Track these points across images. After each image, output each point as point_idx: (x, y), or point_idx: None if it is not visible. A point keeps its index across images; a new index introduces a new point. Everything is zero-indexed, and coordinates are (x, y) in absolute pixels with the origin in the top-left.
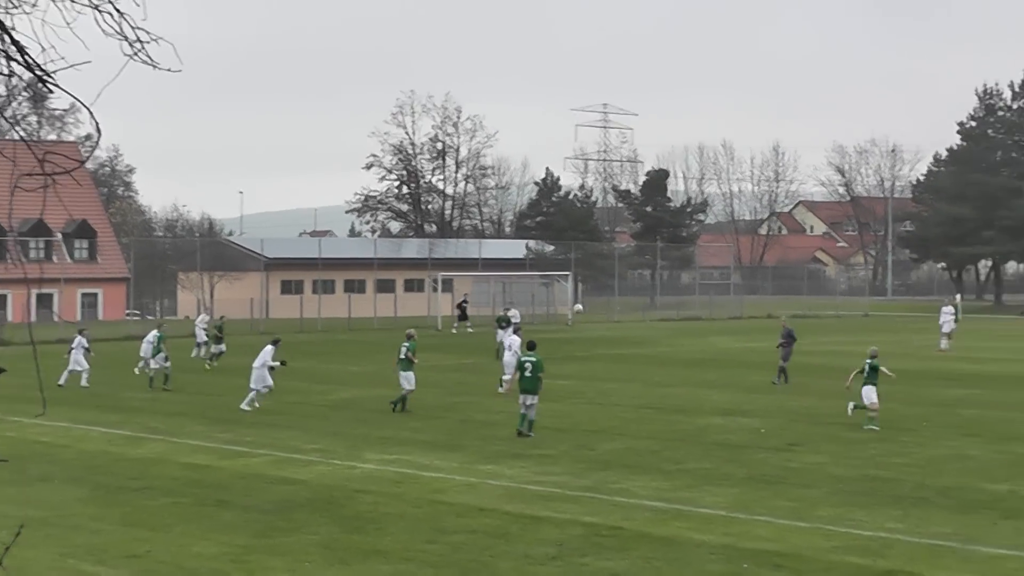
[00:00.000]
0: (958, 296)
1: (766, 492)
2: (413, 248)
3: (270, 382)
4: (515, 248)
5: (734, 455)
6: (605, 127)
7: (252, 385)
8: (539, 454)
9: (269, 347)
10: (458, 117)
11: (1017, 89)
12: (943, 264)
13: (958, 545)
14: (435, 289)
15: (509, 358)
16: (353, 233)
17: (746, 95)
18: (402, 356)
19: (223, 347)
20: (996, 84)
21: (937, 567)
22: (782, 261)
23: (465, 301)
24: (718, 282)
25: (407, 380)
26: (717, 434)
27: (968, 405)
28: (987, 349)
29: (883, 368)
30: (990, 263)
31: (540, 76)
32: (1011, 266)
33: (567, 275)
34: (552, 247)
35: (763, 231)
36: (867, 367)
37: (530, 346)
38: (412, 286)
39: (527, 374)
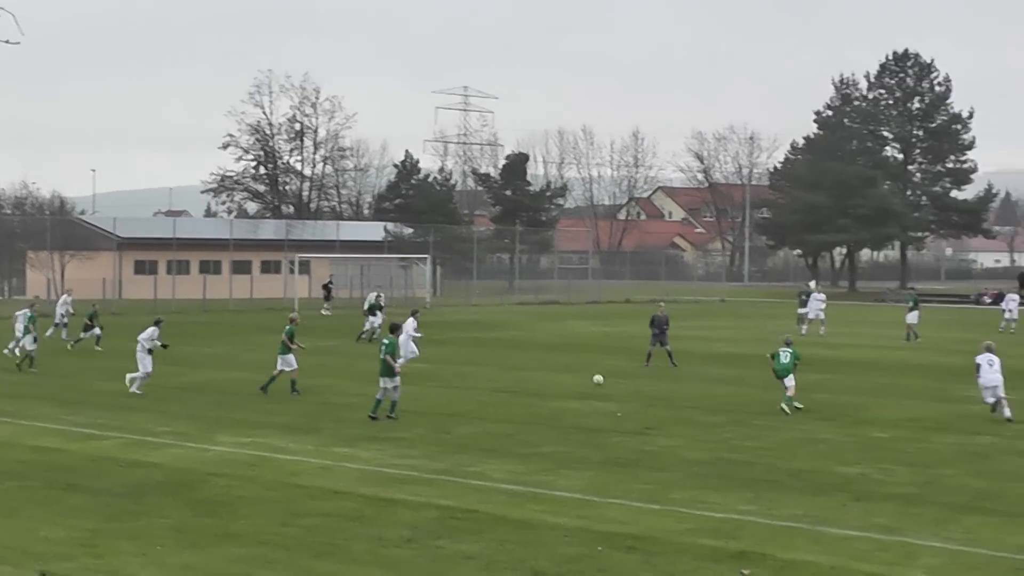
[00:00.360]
0: (812, 283)
1: (621, 475)
2: (270, 229)
3: (149, 367)
4: (373, 230)
5: (590, 439)
6: (465, 110)
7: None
8: (395, 437)
9: (152, 328)
10: (317, 98)
11: (872, 80)
12: (799, 251)
13: (809, 527)
14: (292, 271)
15: (404, 340)
16: (209, 213)
17: (606, 81)
18: (283, 339)
19: (98, 331)
20: (852, 75)
21: (788, 548)
22: (640, 246)
23: (331, 282)
24: (577, 266)
25: (285, 363)
26: (573, 418)
27: (821, 390)
28: (841, 335)
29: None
30: (845, 250)
31: (400, 58)
32: (865, 253)
33: (426, 258)
34: (411, 230)
35: (622, 216)
36: (782, 354)
37: (392, 329)
38: (269, 267)
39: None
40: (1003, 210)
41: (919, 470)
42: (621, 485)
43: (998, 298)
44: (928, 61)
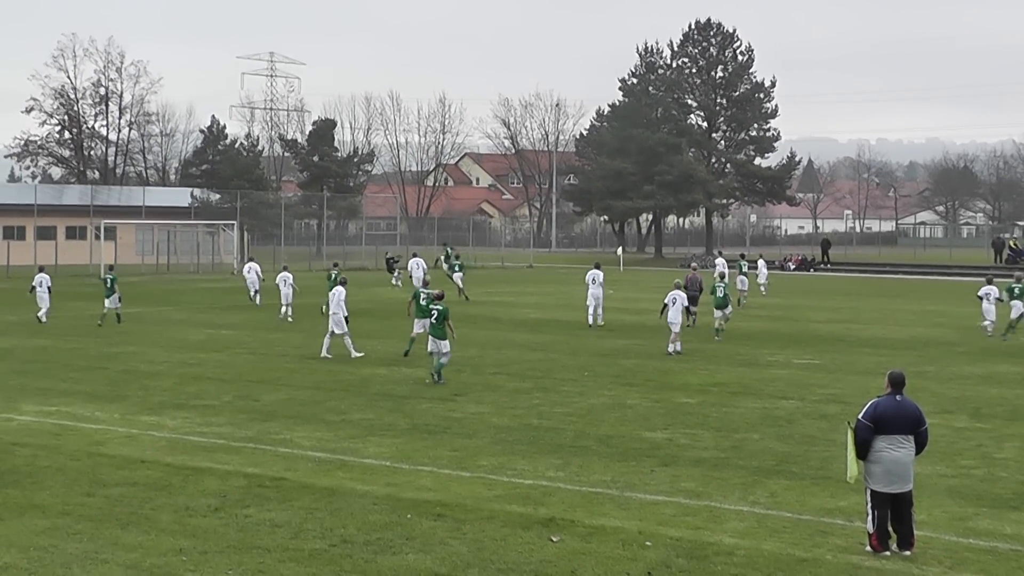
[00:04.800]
0: (620, 249)
1: (429, 442)
2: (75, 195)
3: None
4: (180, 196)
5: (398, 405)
6: (272, 76)
7: None
8: (202, 404)
9: None
10: (122, 62)
11: (676, 48)
12: (606, 217)
13: (616, 492)
14: (98, 237)
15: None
16: (13, 179)
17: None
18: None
19: None
20: (656, 43)
21: (596, 514)
22: (448, 212)
23: (392, 257)
24: (385, 232)
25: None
26: (381, 384)
27: (627, 356)
28: (647, 300)
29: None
30: (651, 217)
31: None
32: (671, 220)
33: (233, 224)
34: (218, 196)
35: (429, 182)
36: (717, 289)
37: (439, 297)
38: (74, 233)
39: (434, 321)
40: (806, 177)
41: (725, 435)
42: (429, 452)
43: (802, 264)
44: (731, 31)
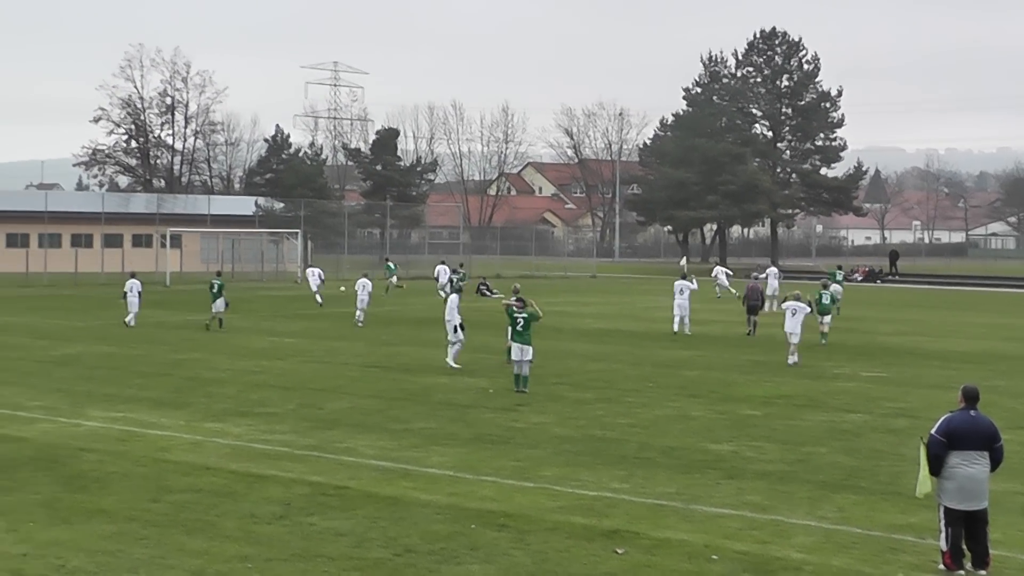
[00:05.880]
0: (684, 260)
1: (492, 452)
2: (141, 203)
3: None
4: (244, 205)
5: (460, 415)
6: (335, 85)
7: None
8: (265, 412)
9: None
10: (187, 72)
11: (740, 57)
12: (669, 227)
13: (681, 505)
14: (163, 245)
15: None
16: (81, 187)
17: (474, 56)
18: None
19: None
20: (721, 52)
21: (660, 527)
22: (510, 221)
23: (485, 286)
24: (447, 241)
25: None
26: (443, 393)
27: (690, 367)
28: (710, 311)
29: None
30: (714, 227)
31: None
32: (735, 230)
33: (296, 232)
34: (282, 204)
35: (492, 191)
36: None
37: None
38: (140, 241)
39: (520, 328)
40: (873, 187)
41: (791, 448)
42: (492, 462)
43: (869, 275)
44: (796, 39)
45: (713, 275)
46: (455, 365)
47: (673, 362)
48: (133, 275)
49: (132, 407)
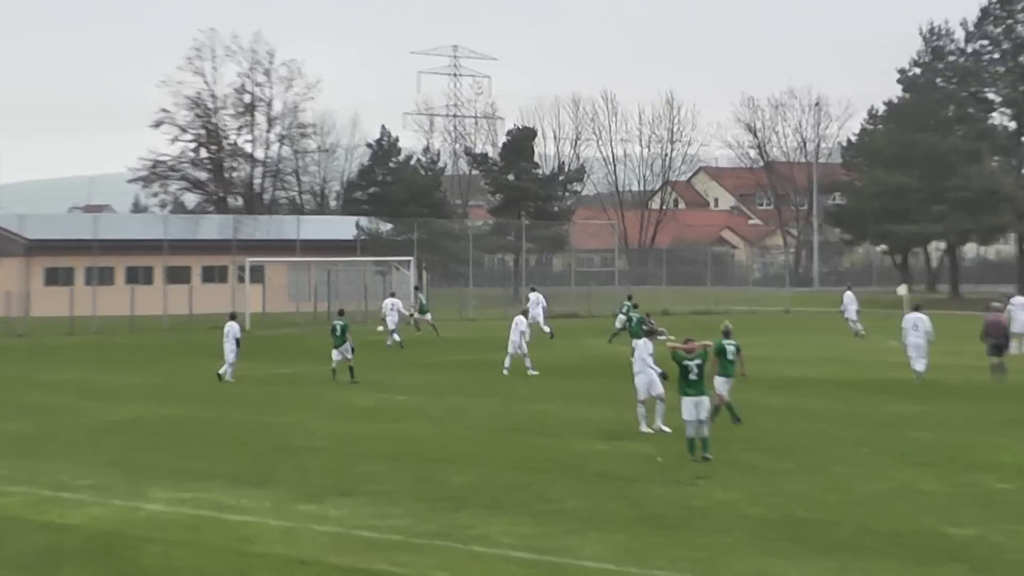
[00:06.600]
0: (903, 287)
1: (664, 538)
2: (214, 227)
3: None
4: (343, 227)
5: (623, 491)
6: (456, 75)
7: None
8: (374, 490)
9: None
10: (270, 63)
11: (972, 28)
12: (883, 247)
13: None
14: (241, 279)
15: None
16: (138, 208)
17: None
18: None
19: None
20: (946, 22)
21: None
22: (679, 242)
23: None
24: (599, 269)
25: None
26: (600, 463)
27: (920, 426)
28: (944, 353)
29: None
30: (943, 245)
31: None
32: (970, 248)
33: (408, 261)
34: (389, 226)
35: (655, 205)
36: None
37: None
38: (212, 275)
39: (693, 377)
40: None
41: None
42: (665, 551)
43: None
44: None
45: (842, 307)
46: (666, 429)
47: (896, 420)
48: (233, 317)
49: (205, 485)
